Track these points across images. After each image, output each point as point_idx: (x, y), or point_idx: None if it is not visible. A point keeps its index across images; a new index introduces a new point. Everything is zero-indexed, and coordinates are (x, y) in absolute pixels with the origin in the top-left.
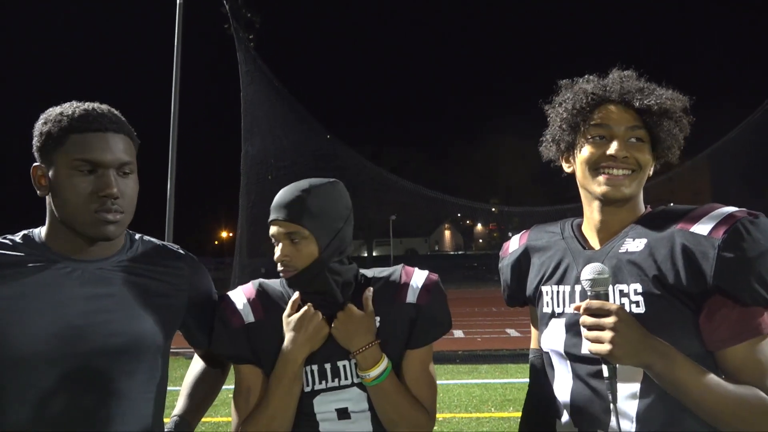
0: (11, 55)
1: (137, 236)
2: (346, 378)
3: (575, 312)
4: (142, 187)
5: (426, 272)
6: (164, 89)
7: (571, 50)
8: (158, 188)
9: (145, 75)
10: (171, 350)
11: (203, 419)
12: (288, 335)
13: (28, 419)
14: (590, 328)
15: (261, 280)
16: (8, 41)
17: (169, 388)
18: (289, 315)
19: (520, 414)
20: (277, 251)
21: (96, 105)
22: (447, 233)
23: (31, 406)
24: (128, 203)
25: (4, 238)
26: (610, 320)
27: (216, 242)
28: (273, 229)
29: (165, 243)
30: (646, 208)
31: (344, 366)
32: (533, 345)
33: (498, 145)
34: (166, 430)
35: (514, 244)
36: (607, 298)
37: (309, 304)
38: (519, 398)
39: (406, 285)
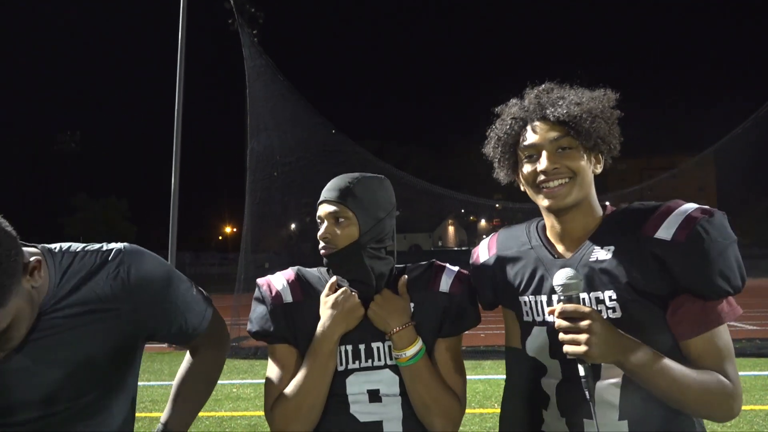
0: (13, 50)
1: (77, 254)
2: (379, 359)
3: (555, 319)
4: (147, 182)
5: (457, 267)
6: (168, 84)
7: (574, 45)
8: (162, 184)
9: (150, 70)
10: (155, 345)
11: (206, 414)
12: (325, 313)
13: None
14: (566, 331)
15: (299, 267)
16: (10, 36)
17: (155, 382)
18: (327, 295)
19: None
20: (321, 229)
21: None
22: (450, 229)
23: None
24: (15, 340)
25: None
26: (585, 323)
27: (220, 237)
28: (320, 209)
29: (107, 252)
30: (605, 209)
31: (378, 347)
32: (508, 343)
33: None
34: None
35: (484, 253)
36: (579, 301)
37: (346, 287)
38: None
39: (440, 275)
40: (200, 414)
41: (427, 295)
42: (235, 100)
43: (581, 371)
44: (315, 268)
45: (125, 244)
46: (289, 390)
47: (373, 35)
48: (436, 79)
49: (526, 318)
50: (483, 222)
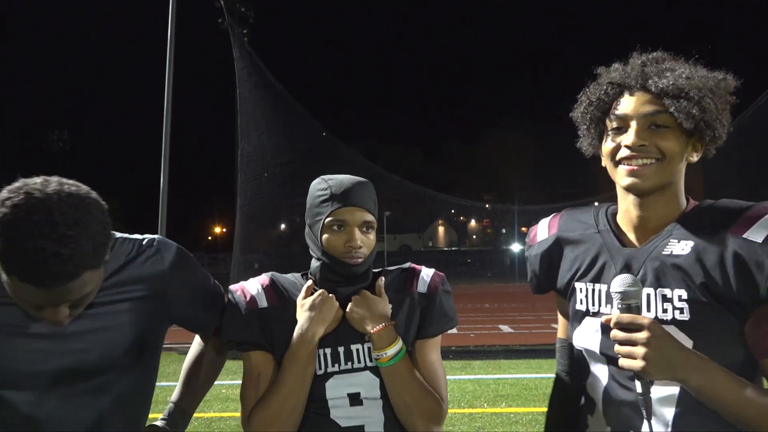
0: (0, 49)
1: (116, 240)
2: (359, 361)
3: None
4: (136, 182)
5: (433, 269)
6: (157, 83)
7: (567, 47)
8: (151, 184)
9: (139, 69)
10: (164, 345)
11: (195, 414)
12: (302, 316)
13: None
14: (622, 343)
15: (273, 272)
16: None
17: (161, 383)
18: (304, 298)
19: (512, 409)
20: (352, 237)
21: (55, 251)
22: (441, 229)
23: (10, 418)
24: (82, 309)
25: None
26: (643, 335)
27: (209, 238)
28: (349, 215)
29: (142, 240)
30: (688, 201)
31: (357, 349)
32: (561, 335)
33: (493, 141)
34: (160, 417)
35: (543, 232)
36: (639, 311)
37: (322, 289)
38: (511, 394)
39: (417, 276)
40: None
41: (405, 296)
42: (224, 99)
43: (638, 387)
44: (290, 274)
45: (157, 235)
46: (267, 397)
47: (364, 35)
48: (427, 80)
49: (579, 306)
50: (473, 222)
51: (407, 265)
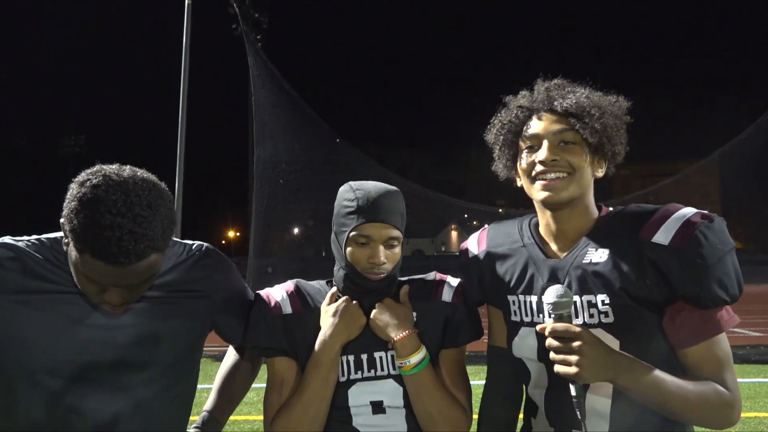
0: (17, 54)
1: None
2: (382, 369)
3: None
4: None
5: (459, 279)
6: (172, 88)
7: (580, 48)
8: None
9: (154, 74)
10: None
11: (233, 417)
12: (326, 322)
13: (38, 419)
14: (556, 351)
15: (298, 279)
16: (14, 39)
17: (201, 386)
18: (328, 305)
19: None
20: (375, 254)
21: (131, 230)
22: (453, 234)
23: (39, 408)
24: (138, 297)
25: (36, 249)
26: (576, 344)
27: (223, 242)
28: (373, 231)
29: (192, 245)
30: (600, 209)
31: (381, 357)
32: (493, 342)
33: None
34: (194, 425)
35: (473, 248)
36: (570, 320)
37: (346, 296)
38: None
39: (442, 285)
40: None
41: (430, 305)
42: (237, 103)
43: (572, 391)
44: (315, 281)
45: (204, 242)
46: (290, 403)
47: (376, 40)
48: (439, 84)
49: (513, 318)
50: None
51: (433, 274)
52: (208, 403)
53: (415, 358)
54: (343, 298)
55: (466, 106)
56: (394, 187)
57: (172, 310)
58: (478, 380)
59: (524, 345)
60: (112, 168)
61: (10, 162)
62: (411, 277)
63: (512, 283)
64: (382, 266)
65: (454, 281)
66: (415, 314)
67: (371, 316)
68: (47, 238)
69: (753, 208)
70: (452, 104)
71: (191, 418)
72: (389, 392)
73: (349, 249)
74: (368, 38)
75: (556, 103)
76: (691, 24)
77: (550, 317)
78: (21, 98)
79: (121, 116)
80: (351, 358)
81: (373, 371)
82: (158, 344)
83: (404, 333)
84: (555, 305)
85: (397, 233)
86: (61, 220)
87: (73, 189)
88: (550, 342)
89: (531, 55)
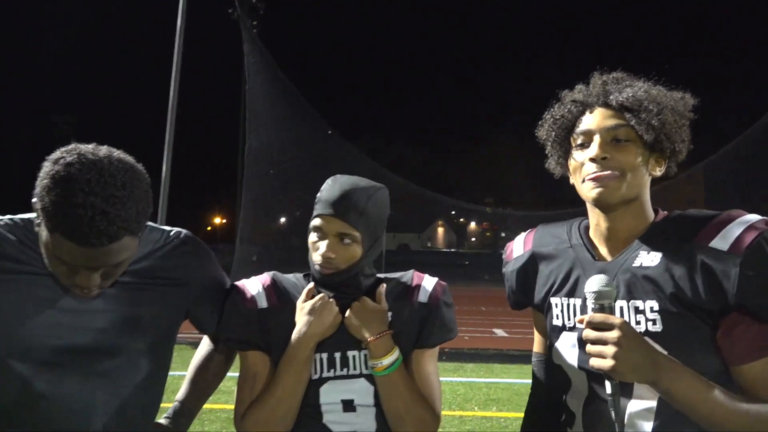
0: (11, 47)
1: (146, 227)
2: (354, 368)
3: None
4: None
5: (436, 278)
6: (164, 71)
7: (571, 50)
8: (154, 171)
9: (146, 57)
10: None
11: (209, 406)
12: (301, 319)
13: (8, 405)
14: (593, 342)
15: (275, 272)
16: (3, 20)
17: (180, 372)
18: (304, 301)
19: (503, 414)
20: (323, 246)
21: (103, 210)
22: (440, 230)
23: (9, 394)
24: (111, 281)
25: (9, 229)
26: (614, 335)
27: (209, 228)
28: (323, 223)
29: (170, 231)
30: (657, 213)
31: (354, 356)
32: (537, 349)
33: (496, 144)
34: (165, 415)
35: (518, 249)
36: (612, 312)
37: (323, 294)
38: (503, 398)
39: (418, 285)
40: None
41: (406, 304)
42: (229, 89)
43: (608, 388)
44: (292, 274)
45: (183, 229)
46: (261, 398)
47: (372, 33)
48: (436, 79)
49: (555, 321)
50: (473, 225)
51: (410, 272)
52: (180, 393)
53: (387, 360)
54: (319, 295)
55: (462, 103)
56: (372, 185)
57: (147, 297)
58: (454, 377)
59: (565, 350)
60: (87, 147)
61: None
62: (388, 275)
63: (556, 285)
64: (330, 260)
65: (431, 282)
66: (390, 314)
67: (346, 315)
68: (21, 219)
69: None
70: (448, 101)
71: (163, 405)
72: (360, 391)
73: (309, 238)
74: (365, 32)
75: (611, 97)
76: (679, 36)
77: (591, 308)
78: (11, 76)
79: (112, 97)
80: (324, 356)
81: (345, 370)
82: (132, 330)
83: (378, 335)
84: (598, 294)
85: (348, 230)
86: (33, 200)
87: (46, 167)
88: (587, 333)
89: (527, 52)
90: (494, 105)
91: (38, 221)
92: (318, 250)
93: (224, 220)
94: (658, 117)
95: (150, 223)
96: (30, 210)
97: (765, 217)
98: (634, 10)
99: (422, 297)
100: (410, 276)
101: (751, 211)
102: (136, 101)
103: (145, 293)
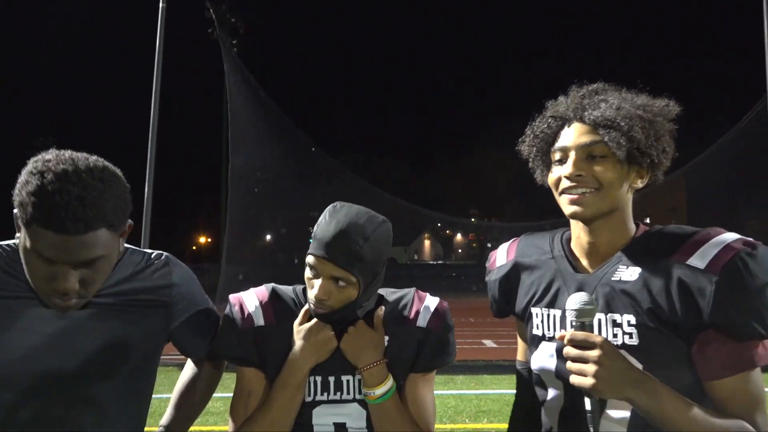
0: None
1: (127, 250)
2: (348, 393)
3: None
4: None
5: (438, 299)
6: (144, 91)
7: (555, 62)
8: (136, 191)
9: (126, 76)
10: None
11: (199, 428)
12: (297, 343)
13: None
14: (574, 359)
15: (274, 284)
16: None
17: (165, 395)
18: (300, 323)
19: (494, 425)
20: (316, 286)
21: (79, 196)
22: (427, 243)
23: None
24: (91, 289)
25: None
26: (595, 353)
27: (194, 248)
28: (318, 264)
29: (151, 254)
30: (638, 227)
31: (348, 381)
32: (520, 357)
33: (481, 157)
34: None
35: (502, 258)
36: (591, 329)
37: (317, 320)
38: (493, 409)
39: (418, 308)
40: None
41: (404, 329)
42: (212, 109)
43: (587, 405)
44: (291, 288)
45: (164, 252)
46: (254, 418)
47: (355, 50)
48: (416, 95)
49: (535, 331)
50: (459, 236)
51: (411, 293)
52: (165, 418)
53: (380, 390)
54: (314, 320)
55: (444, 116)
56: (371, 221)
57: (130, 320)
58: (444, 390)
59: (543, 360)
60: (65, 151)
61: None
62: (389, 294)
63: (537, 295)
64: (323, 302)
65: (431, 304)
66: (387, 338)
67: (342, 340)
68: (1, 245)
69: (718, 220)
70: (430, 115)
71: (147, 429)
72: (353, 415)
73: (305, 272)
74: (346, 48)
75: (586, 113)
76: (654, 41)
77: (572, 327)
78: None
79: (93, 119)
80: (318, 379)
81: (339, 394)
82: (117, 354)
83: (373, 363)
84: (579, 312)
85: (342, 274)
86: (14, 210)
87: (25, 168)
88: (568, 350)
89: (510, 67)
90: (477, 116)
91: (18, 224)
92: (312, 288)
93: (209, 240)
94: (628, 135)
95: (131, 246)
96: (11, 237)
97: (743, 237)
98: (618, 19)
99: (421, 321)
100: (410, 298)
101: (732, 215)
102: (117, 122)
103: (128, 315)
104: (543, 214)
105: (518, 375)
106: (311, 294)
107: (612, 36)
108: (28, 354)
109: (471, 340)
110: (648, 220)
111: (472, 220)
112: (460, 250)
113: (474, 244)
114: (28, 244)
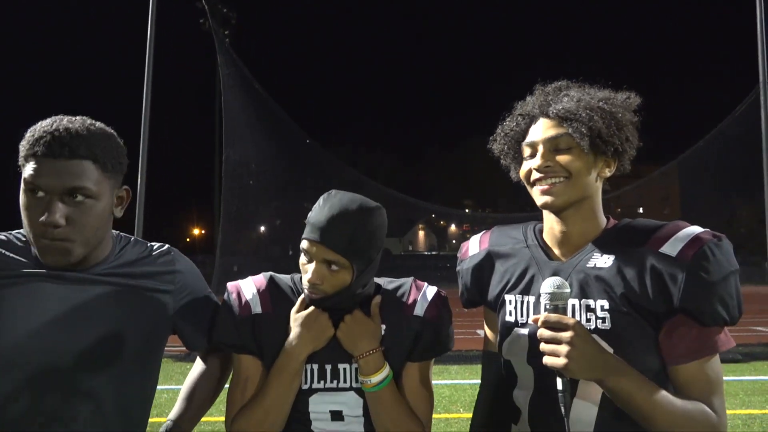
0: None
1: (131, 240)
2: (344, 381)
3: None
4: None
5: (435, 288)
6: (136, 83)
7: (546, 53)
8: (130, 184)
9: (118, 68)
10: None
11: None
12: (294, 331)
13: None
14: (547, 341)
15: (272, 273)
16: None
17: (162, 387)
18: (297, 311)
19: None
20: (310, 270)
21: (66, 126)
22: (421, 234)
23: None
24: (79, 231)
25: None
26: (567, 335)
27: (188, 240)
28: (311, 248)
29: (155, 245)
30: (608, 220)
31: (344, 369)
32: (486, 347)
33: (473, 147)
34: None
35: (474, 247)
36: (565, 312)
37: (314, 307)
38: None
39: (416, 297)
40: (162, 420)
41: (401, 317)
42: (203, 100)
43: (559, 385)
44: (288, 276)
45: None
46: (251, 405)
47: (345, 41)
48: (408, 86)
49: (508, 317)
50: (453, 227)
51: (409, 282)
52: (174, 412)
53: (376, 378)
54: (311, 308)
55: (437, 108)
56: (364, 207)
57: (132, 304)
58: (438, 380)
59: (515, 346)
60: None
61: None
62: (387, 283)
63: (511, 282)
64: (316, 286)
65: (429, 294)
66: (384, 327)
67: (339, 328)
68: (2, 234)
69: (711, 209)
70: (423, 106)
71: (151, 419)
72: (349, 403)
73: (300, 258)
74: (339, 40)
75: (550, 108)
76: (652, 34)
77: (545, 310)
78: None
79: (84, 111)
80: (315, 367)
81: (335, 382)
82: (117, 344)
83: (369, 351)
84: (552, 296)
85: (335, 257)
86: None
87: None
88: (542, 332)
89: (502, 59)
90: (470, 107)
91: (20, 169)
92: (306, 273)
93: (203, 231)
94: (588, 125)
95: (134, 237)
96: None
97: (707, 230)
98: (608, 14)
99: (418, 310)
100: (408, 287)
101: (724, 204)
102: (109, 114)
103: (131, 299)
104: (536, 205)
105: (483, 363)
106: (305, 279)
107: (605, 28)
108: (29, 339)
109: (465, 330)
110: (641, 210)
111: (466, 210)
112: (454, 241)
113: (468, 235)
114: (22, 185)
